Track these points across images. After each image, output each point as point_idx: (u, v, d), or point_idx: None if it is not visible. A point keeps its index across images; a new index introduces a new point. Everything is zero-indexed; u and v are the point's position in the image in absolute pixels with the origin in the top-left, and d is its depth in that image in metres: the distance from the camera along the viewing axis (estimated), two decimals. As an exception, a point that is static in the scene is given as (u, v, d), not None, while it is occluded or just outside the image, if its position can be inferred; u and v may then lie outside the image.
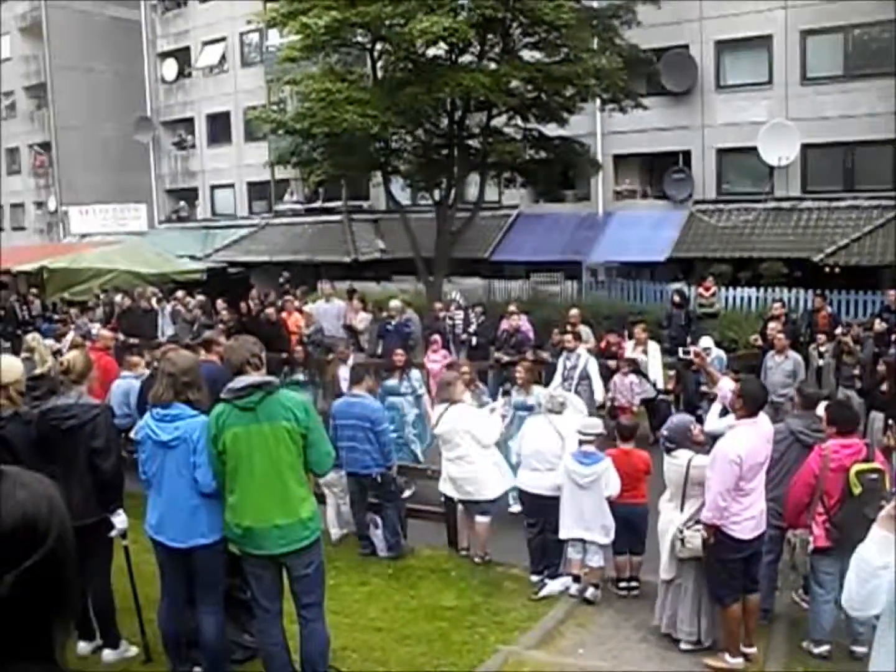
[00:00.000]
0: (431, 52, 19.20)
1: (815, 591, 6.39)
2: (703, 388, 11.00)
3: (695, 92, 22.44)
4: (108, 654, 5.87)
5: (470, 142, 20.69)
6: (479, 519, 8.17)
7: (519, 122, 20.57)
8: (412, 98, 18.27)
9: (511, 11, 18.08)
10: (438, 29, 16.76)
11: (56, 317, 19.15)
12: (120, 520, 5.68)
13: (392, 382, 11.00)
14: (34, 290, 21.65)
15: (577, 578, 7.44)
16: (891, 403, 10.37)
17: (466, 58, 19.60)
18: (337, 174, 21.43)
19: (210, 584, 5.18)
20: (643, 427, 11.43)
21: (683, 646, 6.43)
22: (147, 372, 9.39)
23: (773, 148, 20.52)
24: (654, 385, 12.81)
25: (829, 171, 21.15)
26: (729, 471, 5.84)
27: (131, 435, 6.05)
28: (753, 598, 6.32)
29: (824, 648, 6.31)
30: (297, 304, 17.96)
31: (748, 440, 5.93)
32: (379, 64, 20.17)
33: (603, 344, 13.70)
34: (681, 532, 6.16)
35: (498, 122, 20.39)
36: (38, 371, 8.56)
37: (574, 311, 14.45)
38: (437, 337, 13.79)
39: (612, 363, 12.95)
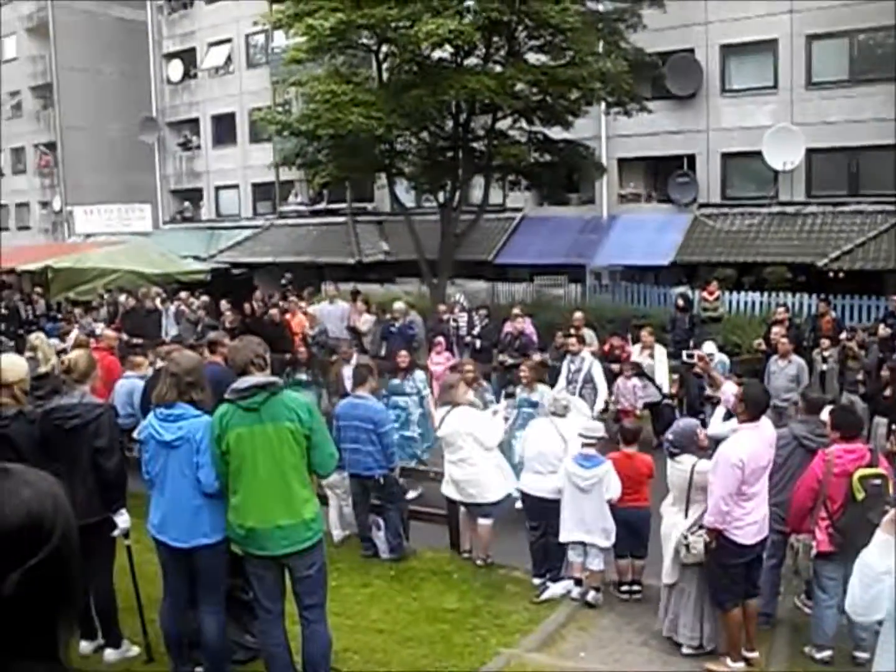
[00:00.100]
0: (437, 54, 19.21)
1: (817, 596, 6.38)
2: (708, 393, 10.99)
3: (700, 96, 22.44)
4: (109, 654, 5.87)
5: (475, 144, 20.70)
6: (482, 521, 8.16)
7: (524, 124, 20.55)
8: (417, 100, 18.27)
9: (517, 14, 18.06)
10: (444, 31, 16.76)
11: (60, 316, 19.17)
12: (123, 519, 5.69)
13: (397, 382, 11.01)
14: (38, 290, 21.64)
15: (578, 582, 7.43)
16: (894, 409, 10.36)
17: (472, 60, 19.60)
18: (342, 176, 21.43)
19: (212, 584, 5.18)
20: (646, 431, 11.43)
21: (685, 650, 6.42)
22: (150, 372, 9.41)
23: (777, 152, 20.51)
24: (660, 389, 12.80)
25: (834, 176, 21.14)
26: (731, 475, 5.84)
27: (134, 435, 6.06)
28: (753, 602, 6.31)
29: (826, 654, 6.30)
30: (302, 304, 17.98)
31: (750, 444, 5.92)
32: (384, 66, 20.17)
33: (606, 347, 13.70)
34: (685, 538, 6.15)
35: (503, 124, 20.38)
36: (41, 370, 8.59)
37: (578, 315, 14.46)
38: (440, 339, 13.80)
39: (615, 367, 12.94)
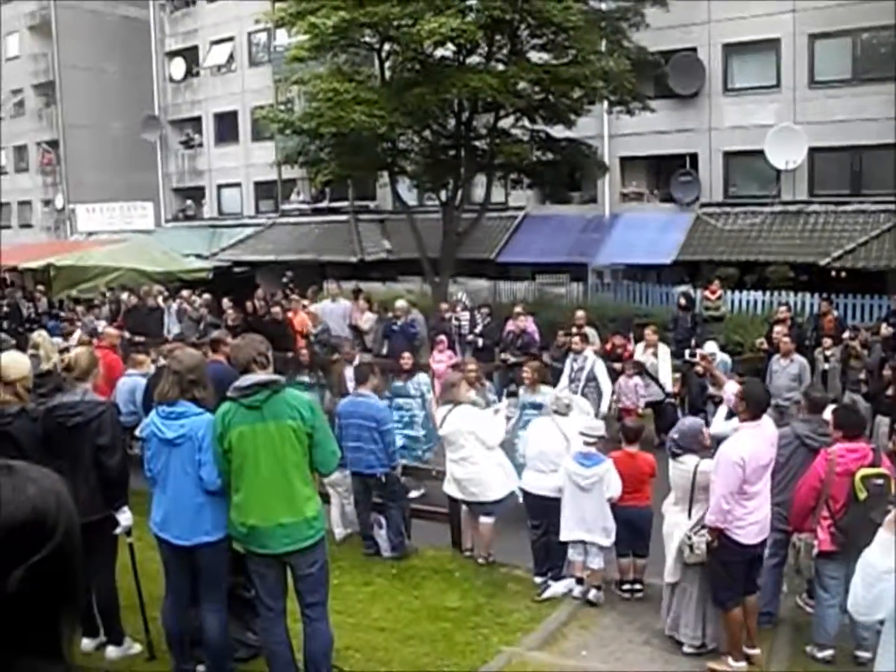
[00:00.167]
0: (439, 52, 19.20)
1: (819, 595, 6.38)
2: (711, 391, 10.99)
3: (702, 95, 22.42)
4: (111, 651, 5.88)
5: (477, 143, 20.69)
6: (483, 520, 8.17)
7: (526, 123, 20.54)
8: (420, 99, 18.26)
9: (519, 13, 18.05)
10: (446, 30, 16.75)
11: (62, 314, 19.19)
12: (125, 517, 5.69)
13: (400, 384, 11.02)
14: (41, 288, 21.68)
15: (580, 580, 7.43)
16: (896, 408, 10.36)
17: (474, 59, 19.59)
18: (344, 174, 21.42)
19: (214, 582, 5.18)
20: (648, 430, 11.43)
21: (686, 649, 6.42)
22: (153, 370, 9.41)
23: (780, 151, 20.48)
24: (663, 388, 12.79)
25: (837, 175, 21.11)
26: (732, 473, 5.84)
27: (136, 432, 6.06)
28: (752, 598, 6.31)
29: (828, 653, 6.30)
30: (305, 303, 18.00)
31: (751, 443, 5.92)
32: (387, 64, 20.17)
33: (608, 346, 13.69)
34: (689, 538, 6.15)
35: (505, 123, 20.37)
36: (43, 367, 8.59)
37: (580, 313, 14.46)
38: (442, 337, 13.80)
39: (617, 365, 12.94)
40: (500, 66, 19.32)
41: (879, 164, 20.16)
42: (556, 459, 7.56)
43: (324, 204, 29.51)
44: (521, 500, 8.30)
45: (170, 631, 5.35)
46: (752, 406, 6.04)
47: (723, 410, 7.08)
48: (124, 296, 19.21)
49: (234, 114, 32.84)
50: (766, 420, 6.20)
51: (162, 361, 8.41)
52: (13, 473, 1.44)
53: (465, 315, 16.17)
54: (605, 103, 20.85)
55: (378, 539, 8.35)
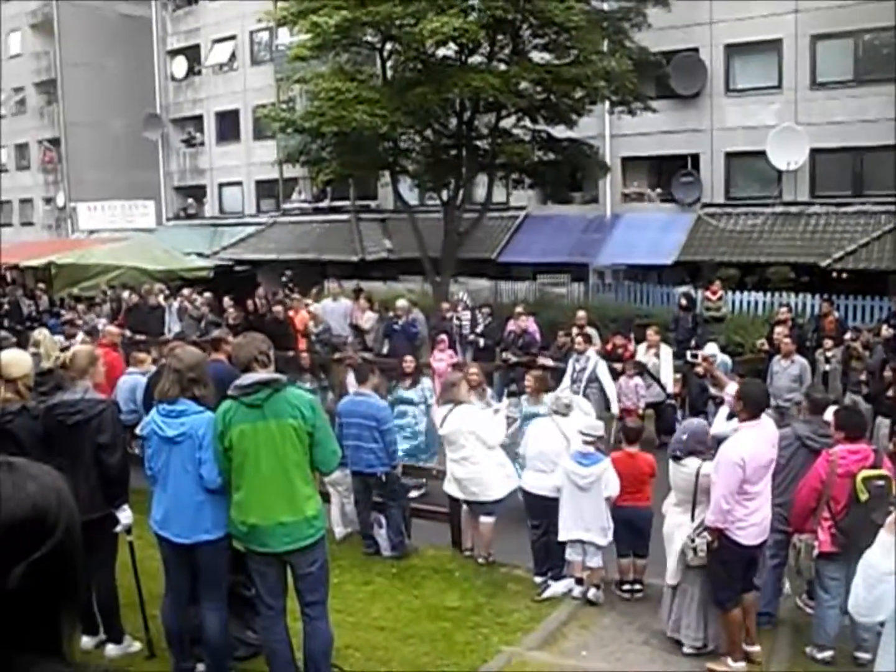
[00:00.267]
0: (441, 52, 19.19)
1: (820, 596, 6.37)
2: (713, 392, 10.98)
3: (704, 95, 22.42)
4: (111, 649, 5.88)
5: (478, 142, 20.68)
6: (484, 519, 8.16)
7: (528, 123, 20.53)
8: (421, 98, 18.26)
9: (521, 13, 18.05)
10: (448, 29, 16.75)
11: (63, 312, 19.19)
12: (125, 515, 5.69)
13: (403, 392, 10.98)
14: (42, 286, 21.70)
15: (579, 580, 7.43)
16: (897, 409, 10.35)
17: (476, 58, 19.59)
18: (345, 173, 21.42)
19: (214, 580, 5.18)
20: (648, 430, 11.43)
21: (686, 649, 6.42)
22: (153, 368, 9.40)
23: (781, 152, 20.48)
24: (665, 388, 12.79)
25: (838, 176, 21.10)
26: (732, 473, 5.83)
27: (137, 431, 6.06)
28: (750, 596, 6.31)
29: (828, 654, 6.29)
30: (308, 301, 18.01)
31: (752, 443, 5.92)
32: (388, 64, 20.17)
33: (609, 346, 13.69)
34: (692, 541, 6.13)
35: (507, 123, 20.36)
36: (44, 366, 8.58)
37: (581, 314, 14.46)
38: (443, 337, 13.79)
39: (618, 366, 12.93)
40: (502, 66, 19.31)
41: (881, 166, 20.16)
42: (555, 459, 7.55)
43: (325, 203, 29.53)
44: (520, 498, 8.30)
45: (169, 629, 5.35)
46: (750, 406, 6.03)
47: (724, 411, 7.07)
48: (125, 294, 19.22)
49: (235, 112, 32.85)
50: (767, 420, 6.19)
51: (163, 360, 8.40)
52: (13, 470, 1.43)
53: (466, 315, 16.17)
54: (607, 103, 20.84)
55: (378, 538, 8.35)
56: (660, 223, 22.33)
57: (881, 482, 5.95)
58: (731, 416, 6.80)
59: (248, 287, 20.11)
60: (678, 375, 13.21)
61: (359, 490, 8.46)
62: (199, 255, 26.49)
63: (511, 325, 14.81)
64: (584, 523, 7.25)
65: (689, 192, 22.53)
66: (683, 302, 15.60)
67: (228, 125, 33.30)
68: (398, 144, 20.47)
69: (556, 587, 7.48)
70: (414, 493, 9.81)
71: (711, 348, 12.25)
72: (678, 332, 14.97)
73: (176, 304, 18.55)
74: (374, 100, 18.11)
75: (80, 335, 13.75)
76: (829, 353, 12.91)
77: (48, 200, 39.94)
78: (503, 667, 6.06)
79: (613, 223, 23.43)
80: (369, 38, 19.77)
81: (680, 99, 22.47)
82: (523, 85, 18.89)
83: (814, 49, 20.98)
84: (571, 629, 6.86)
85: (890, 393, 10.85)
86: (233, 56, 33.00)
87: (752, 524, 5.97)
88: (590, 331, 13.64)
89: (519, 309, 15.36)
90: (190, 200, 35.20)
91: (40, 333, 10.76)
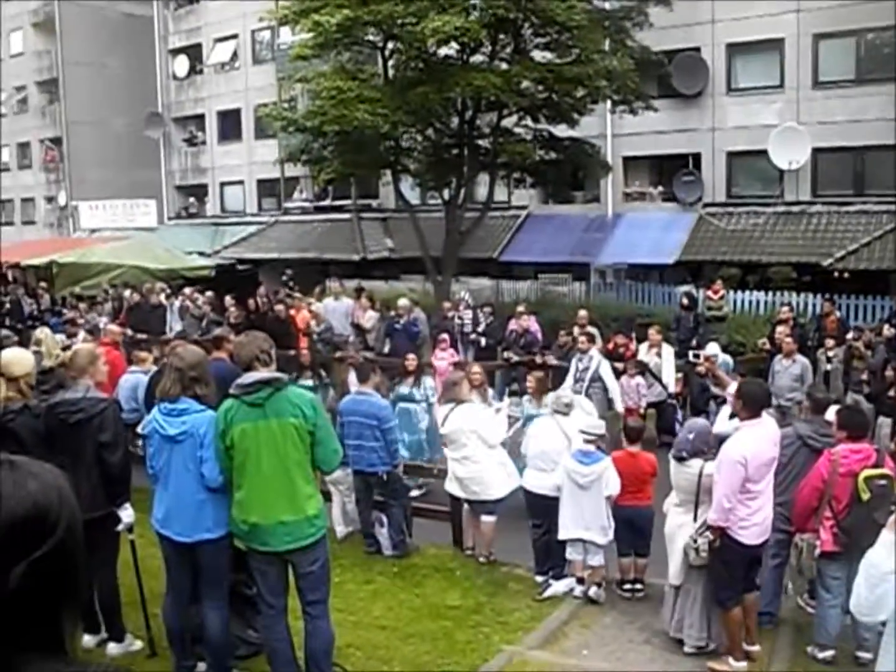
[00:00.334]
0: (443, 51, 19.19)
1: (821, 595, 6.37)
2: (714, 391, 10.98)
3: (705, 94, 22.41)
4: (112, 648, 5.88)
5: (480, 142, 20.67)
6: (485, 519, 8.16)
7: (529, 122, 20.53)
8: (423, 97, 18.26)
9: (523, 12, 18.05)
10: (450, 28, 16.75)
11: (65, 311, 19.20)
12: (127, 514, 5.70)
13: (405, 390, 10.99)
14: (43, 285, 21.71)
15: (580, 580, 7.42)
16: (899, 409, 10.34)
17: (478, 58, 19.59)
18: (347, 172, 21.43)
19: (215, 579, 5.18)
20: (650, 429, 11.42)
21: (687, 648, 6.41)
22: (155, 367, 9.41)
23: (783, 151, 20.47)
24: (666, 388, 12.78)
25: (840, 176, 21.09)
26: (735, 472, 5.82)
27: (138, 429, 6.07)
28: (751, 596, 6.30)
29: (829, 653, 6.28)
30: (311, 300, 18.03)
31: (753, 441, 5.91)
32: (390, 63, 20.18)
33: (610, 346, 13.68)
34: (695, 541, 6.13)
35: (508, 122, 20.36)
36: (46, 364, 8.59)
37: (582, 313, 14.46)
38: (445, 336, 13.79)
39: (619, 365, 12.92)
40: (504, 65, 19.31)
41: (882, 165, 20.14)
42: (556, 458, 7.55)
43: (326, 202, 29.54)
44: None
45: (171, 628, 5.35)
46: (749, 404, 6.02)
47: (726, 410, 7.06)
48: (127, 293, 19.24)
49: (237, 111, 32.87)
50: (768, 419, 6.19)
51: (164, 359, 8.40)
52: (15, 468, 1.43)
53: (468, 314, 16.17)
54: (609, 103, 20.84)
55: (379, 537, 8.35)
56: (661, 222, 22.32)
57: (883, 482, 5.94)
58: (733, 416, 6.80)
59: (249, 286, 20.12)
60: (679, 375, 13.20)
61: (360, 489, 8.45)
62: (201, 254, 26.51)
63: (512, 325, 14.81)
64: (584, 522, 7.24)
65: (691, 192, 22.52)
66: (685, 301, 15.59)
67: (230, 124, 33.32)
68: (400, 143, 20.47)
69: (557, 586, 7.48)
70: (415, 493, 9.80)
71: (713, 348, 12.25)
72: (680, 332, 14.96)
73: (177, 303, 18.56)
74: (376, 99, 18.12)
75: (82, 334, 13.77)
76: (830, 353, 12.90)
77: (50, 199, 39.97)
78: (504, 666, 6.06)
79: (615, 222, 23.42)
80: (371, 38, 19.78)
81: (681, 98, 22.46)
82: (525, 84, 18.89)
83: (815, 48, 20.96)
84: (572, 628, 6.86)
85: (891, 392, 10.84)
86: (234, 55, 33.02)
87: (755, 524, 5.97)
88: (591, 330, 13.63)
89: (520, 308, 15.36)
90: (191, 199, 35.22)
91: (42, 332, 10.76)
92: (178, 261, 22.84)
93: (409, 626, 6.66)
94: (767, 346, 13.35)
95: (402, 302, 15.94)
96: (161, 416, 5.14)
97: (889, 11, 19.23)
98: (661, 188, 23.69)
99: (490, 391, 10.95)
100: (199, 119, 34.76)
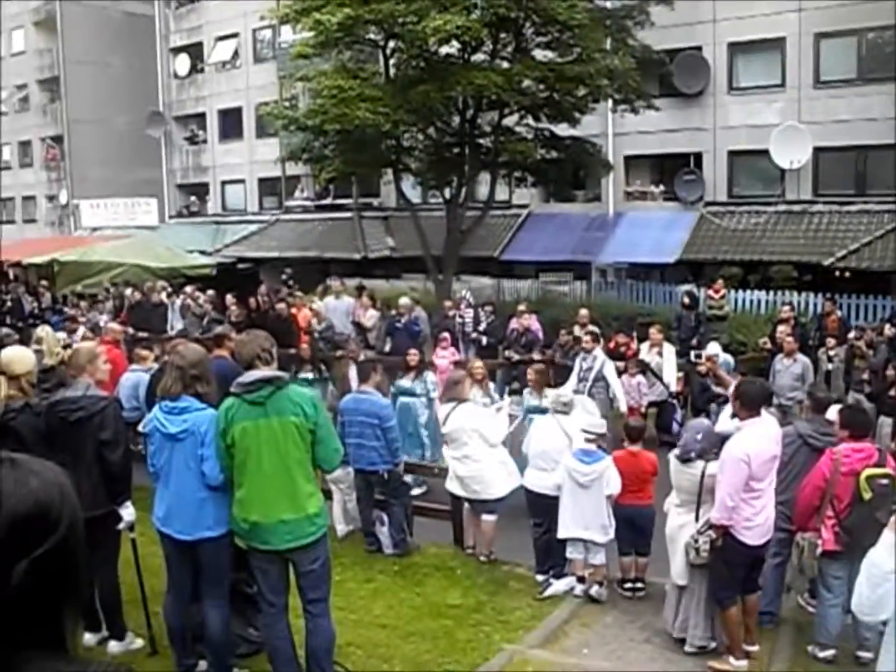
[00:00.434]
0: (444, 50, 19.18)
1: (822, 594, 6.36)
2: (717, 391, 10.97)
3: (707, 94, 22.39)
4: (113, 646, 5.89)
5: (481, 141, 20.67)
6: (486, 517, 8.16)
7: (531, 121, 20.52)
8: (424, 96, 18.26)
9: (524, 10, 18.03)
10: (451, 27, 16.74)
11: (66, 309, 19.22)
12: (128, 512, 5.70)
13: (406, 383, 10.99)
14: (44, 283, 21.73)
15: (581, 579, 7.42)
16: (900, 409, 10.33)
17: (479, 56, 19.58)
18: (348, 171, 21.43)
19: (216, 577, 5.18)
20: (650, 429, 11.41)
21: (688, 648, 6.41)
22: (156, 365, 9.41)
23: (784, 151, 20.46)
24: (668, 387, 12.78)
25: (841, 175, 21.09)
26: (738, 470, 5.82)
27: (139, 428, 6.07)
28: (752, 597, 6.31)
29: (829, 653, 6.28)
30: (313, 299, 18.03)
31: (755, 439, 5.91)
32: (391, 61, 20.17)
33: (612, 345, 13.68)
34: (696, 541, 6.12)
35: (509, 121, 20.35)
36: (46, 362, 8.60)
37: (583, 312, 14.46)
38: (446, 335, 13.79)
39: (620, 364, 12.92)
40: (505, 64, 19.31)
41: (884, 165, 20.13)
42: (557, 458, 7.55)
43: (327, 201, 29.54)
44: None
45: (171, 626, 5.35)
46: (748, 404, 6.02)
47: (728, 410, 7.06)
48: (128, 292, 19.25)
49: (238, 110, 32.87)
50: (768, 417, 6.18)
51: (165, 357, 8.41)
52: (16, 466, 1.43)
53: (469, 313, 16.17)
54: (610, 102, 20.81)
55: (380, 536, 8.35)
56: (662, 221, 22.31)
57: (885, 481, 5.94)
58: (734, 415, 6.79)
59: (250, 284, 20.12)
60: (680, 374, 13.20)
61: (361, 488, 8.45)
62: (202, 252, 26.53)
63: (514, 324, 14.81)
64: (584, 521, 7.24)
65: (692, 191, 22.52)
66: (686, 300, 15.58)
67: (231, 123, 33.32)
68: (401, 142, 20.47)
69: (558, 585, 7.48)
70: (416, 491, 9.80)
71: (714, 347, 12.25)
72: (681, 331, 14.95)
73: (178, 302, 18.57)
74: (377, 97, 18.11)
75: (81, 330, 13.78)
76: (831, 352, 12.89)
77: (51, 198, 39.98)
78: (504, 665, 6.05)
79: (616, 221, 23.41)
80: (372, 36, 19.77)
81: (683, 97, 22.45)
82: (526, 83, 18.88)
83: (817, 47, 20.95)
84: (573, 627, 6.86)
85: (893, 392, 10.82)
86: (235, 54, 33.02)
87: (758, 524, 5.97)
88: (594, 329, 13.63)
89: (521, 307, 15.36)
90: (192, 198, 35.22)
91: (43, 331, 10.77)
92: (179, 259, 22.87)
93: (410, 625, 6.66)
94: (768, 346, 13.34)
95: (403, 301, 15.93)
96: (162, 415, 5.14)
97: (890, 11, 19.22)
98: (662, 187, 23.68)
99: (492, 385, 10.97)
100: (201, 118, 34.75)
